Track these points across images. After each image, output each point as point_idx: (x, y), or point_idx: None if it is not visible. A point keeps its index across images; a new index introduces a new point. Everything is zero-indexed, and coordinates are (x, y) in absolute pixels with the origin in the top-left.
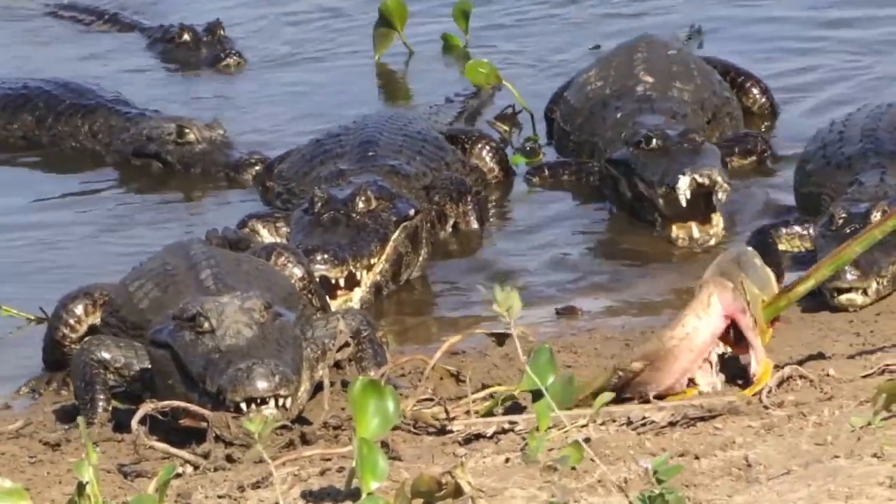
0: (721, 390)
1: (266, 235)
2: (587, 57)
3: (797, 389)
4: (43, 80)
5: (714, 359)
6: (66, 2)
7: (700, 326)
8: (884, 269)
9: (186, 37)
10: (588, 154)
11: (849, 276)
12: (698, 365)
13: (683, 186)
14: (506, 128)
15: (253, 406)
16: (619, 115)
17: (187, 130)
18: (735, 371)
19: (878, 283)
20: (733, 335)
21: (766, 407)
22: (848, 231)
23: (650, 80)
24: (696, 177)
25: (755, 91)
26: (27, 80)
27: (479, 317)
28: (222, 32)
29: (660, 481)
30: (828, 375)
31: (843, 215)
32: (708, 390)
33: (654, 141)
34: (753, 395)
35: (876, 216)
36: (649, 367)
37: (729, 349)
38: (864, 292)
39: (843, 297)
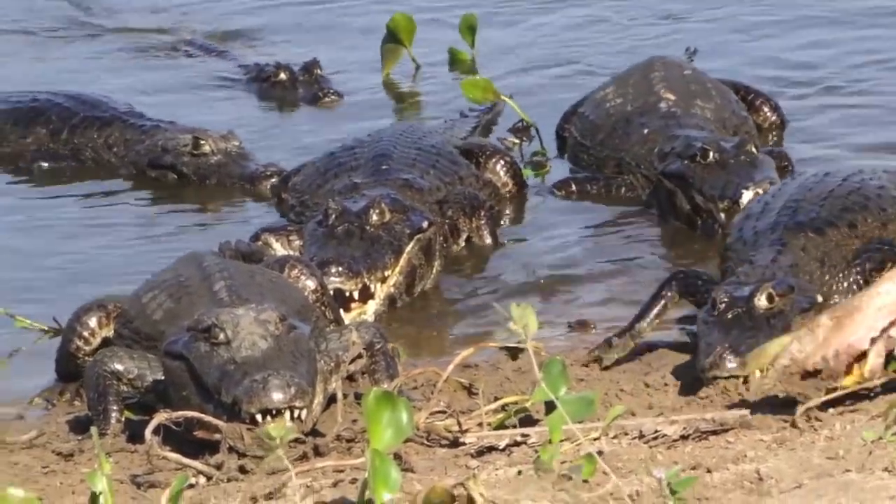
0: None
1: (279, 248)
2: (593, 72)
3: None
4: (54, 94)
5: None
6: (189, 38)
7: (893, 290)
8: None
9: (283, 76)
10: (612, 168)
11: (728, 365)
12: (886, 334)
13: (747, 200)
14: (516, 141)
15: (268, 418)
16: (645, 131)
17: (203, 142)
18: None
19: (761, 372)
20: None
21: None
22: (730, 316)
23: (672, 97)
24: (760, 190)
25: (766, 109)
26: (38, 94)
27: (491, 330)
28: (319, 71)
29: (673, 492)
30: None
31: (725, 300)
32: (868, 373)
33: (712, 154)
34: None
35: (760, 299)
36: (835, 327)
37: None
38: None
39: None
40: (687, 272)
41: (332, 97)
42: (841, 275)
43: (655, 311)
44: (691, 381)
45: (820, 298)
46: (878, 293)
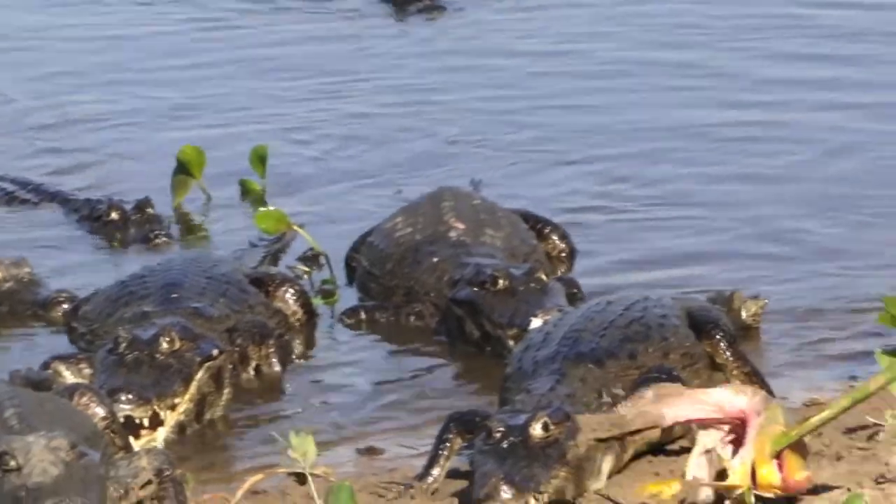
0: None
1: (69, 376)
2: (383, 202)
3: None
4: None
5: (713, 455)
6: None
7: (722, 398)
8: (543, 485)
9: (114, 215)
10: (401, 297)
11: (503, 495)
12: (696, 425)
13: (535, 328)
14: (305, 269)
15: None
16: (435, 260)
17: None
18: None
19: (536, 500)
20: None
21: None
22: (506, 445)
23: (461, 226)
24: (548, 318)
25: (555, 237)
26: None
27: (280, 456)
28: (150, 210)
29: None
30: None
31: (501, 429)
32: (690, 479)
33: (501, 281)
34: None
35: (535, 428)
36: (659, 400)
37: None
38: None
39: None
40: (462, 412)
41: (164, 239)
42: (619, 406)
43: (442, 457)
44: None
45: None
46: (708, 393)
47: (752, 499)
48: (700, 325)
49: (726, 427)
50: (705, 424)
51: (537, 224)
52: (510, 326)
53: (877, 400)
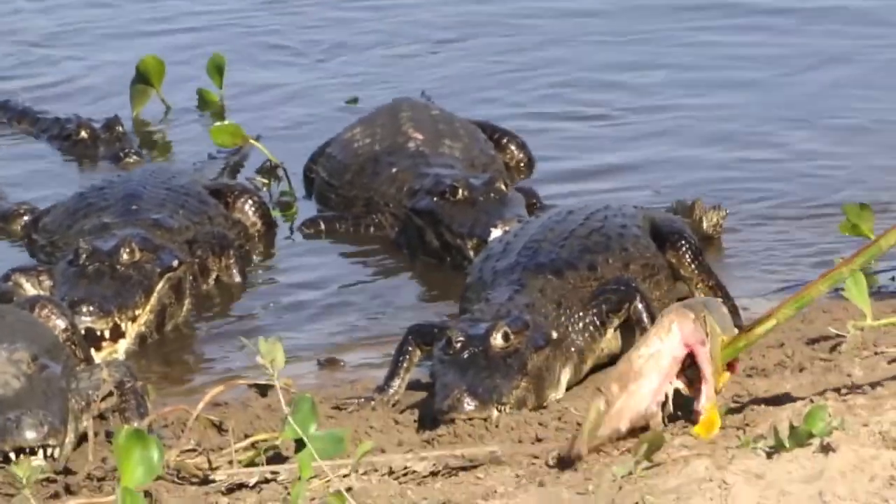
0: (663, 426)
1: (29, 289)
2: (339, 113)
3: None
4: None
5: (666, 394)
6: None
7: (663, 349)
8: (505, 396)
9: (84, 133)
10: (361, 207)
11: (466, 407)
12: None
13: (495, 238)
14: (264, 181)
15: (21, 456)
16: (394, 170)
17: None
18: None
19: (499, 411)
20: (689, 375)
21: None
22: (466, 356)
23: (420, 136)
24: (507, 228)
25: (513, 147)
26: None
27: (242, 368)
28: (120, 129)
29: None
30: None
31: (461, 339)
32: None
33: (461, 191)
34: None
35: (496, 338)
36: (624, 391)
37: (683, 387)
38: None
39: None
40: (421, 324)
41: (134, 157)
42: (577, 316)
43: (402, 369)
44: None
45: (555, 335)
46: (653, 355)
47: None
48: (664, 236)
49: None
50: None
51: (495, 134)
52: (470, 237)
53: (839, 311)
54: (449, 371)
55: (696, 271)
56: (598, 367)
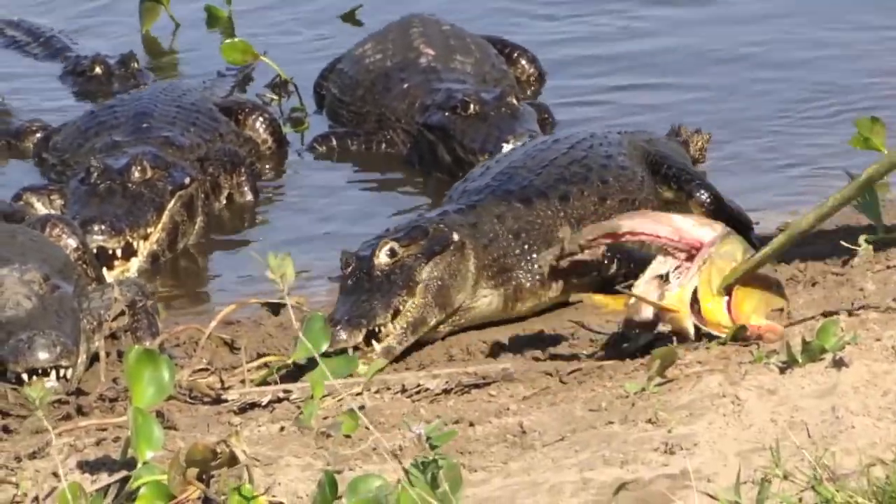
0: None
1: (41, 208)
2: (353, 31)
3: None
4: None
5: (662, 280)
6: (15, 19)
7: (680, 223)
8: (381, 317)
9: (98, 70)
10: (372, 124)
11: (340, 336)
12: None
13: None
14: (274, 97)
15: (34, 377)
16: (405, 86)
17: None
18: None
19: (377, 333)
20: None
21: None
22: (352, 281)
23: (431, 52)
24: (519, 143)
25: (523, 61)
26: None
27: (254, 287)
28: (136, 65)
29: (433, 447)
30: None
31: (351, 261)
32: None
33: (472, 106)
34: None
35: (379, 256)
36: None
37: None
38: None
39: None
40: None
41: None
42: (534, 256)
43: None
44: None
45: (456, 237)
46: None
47: (690, 326)
48: (678, 182)
49: (682, 255)
50: (662, 248)
51: (506, 49)
52: (482, 151)
53: (852, 223)
54: (339, 298)
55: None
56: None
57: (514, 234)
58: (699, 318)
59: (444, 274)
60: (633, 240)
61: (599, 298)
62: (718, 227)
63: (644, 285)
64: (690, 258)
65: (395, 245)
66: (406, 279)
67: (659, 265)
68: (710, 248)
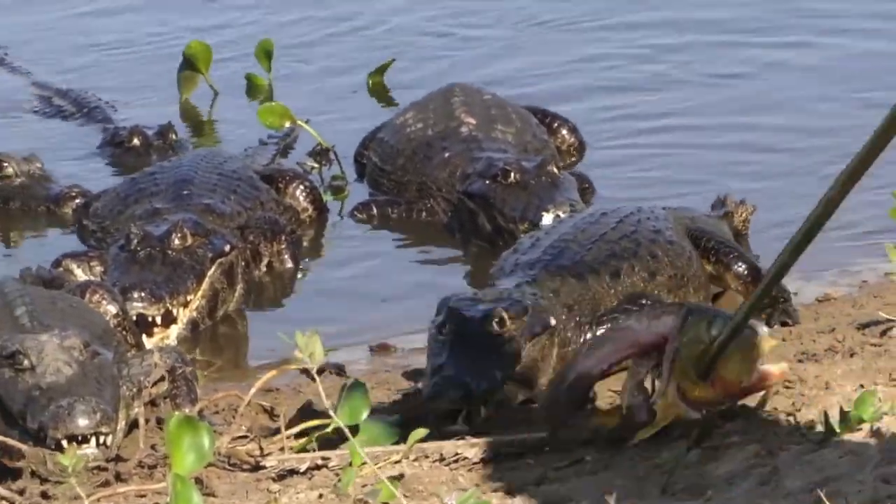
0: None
1: (80, 274)
2: (391, 99)
3: None
4: None
5: (646, 381)
6: (63, 87)
7: (632, 332)
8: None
9: (136, 141)
10: (413, 192)
11: (450, 395)
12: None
13: (547, 223)
14: (315, 165)
15: (74, 444)
16: (446, 155)
17: (5, 164)
18: None
19: (487, 400)
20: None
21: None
22: (458, 340)
23: (473, 121)
24: (560, 213)
25: (564, 131)
26: None
27: (293, 353)
28: (174, 137)
29: None
30: None
31: (455, 320)
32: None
33: (513, 175)
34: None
35: (491, 323)
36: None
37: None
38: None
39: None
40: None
41: None
42: (584, 328)
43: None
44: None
45: (553, 322)
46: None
47: (694, 415)
48: (718, 256)
49: (654, 356)
50: (634, 359)
51: (546, 118)
52: (522, 220)
53: (891, 295)
54: (441, 353)
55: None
56: None
57: (567, 308)
58: (697, 406)
59: (538, 356)
60: (614, 369)
61: (599, 420)
62: (674, 311)
63: (629, 395)
64: (661, 354)
65: (506, 316)
66: (512, 352)
67: (636, 372)
68: (674, 343)
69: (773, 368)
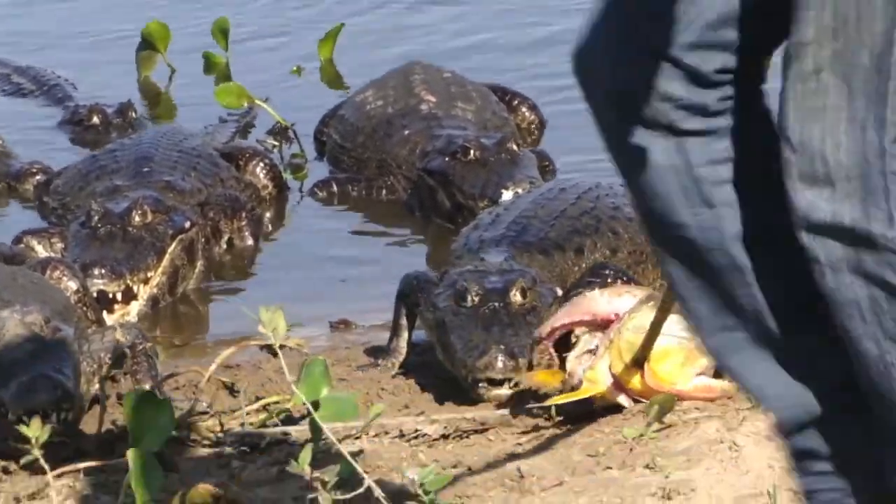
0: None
1: (41, 251)
2: (350, 77)
3: None
4: None
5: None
6: (23, 65)
7: (591, 302)
8: (528, 356)
9: (95, 119)
10: (373, 169)
11: (499, 365)
12: (577, 326)
13: (507, 199)
14: (275, 143)
15: (34, 419)
16: (407, 132)
17: None
18: None
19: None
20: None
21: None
22: (487, 311)
23: (433, 99)
24: (519, 190)
25: (524, 108)
26: None
27: (254, 330)
28: (133, 115)
29: (427, 492)
30: None
31: (480, 292)
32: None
33: (473, 151)
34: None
35: (515, 295)
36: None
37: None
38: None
39: (493, 393)
40: (417, 274)
41: None
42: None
43: (404, 324)
44: (450, 379)
45: (560, 292)
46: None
47: (624, 401)
48: None
49: (604, 330)
50: (587, 327)
51: (506, 96)
52: (482, 197)
53: None
54: (468, 324)
55: None
56: None
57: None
58: (627, 392)
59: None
60: (562, 332)
61: (539, 377)
62: (639, 293)
63: (573, 360)
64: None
65: (525, 286)
66: (538, 321)
67: (586, 342)
68: (618, 324)
69: (716, 384)
